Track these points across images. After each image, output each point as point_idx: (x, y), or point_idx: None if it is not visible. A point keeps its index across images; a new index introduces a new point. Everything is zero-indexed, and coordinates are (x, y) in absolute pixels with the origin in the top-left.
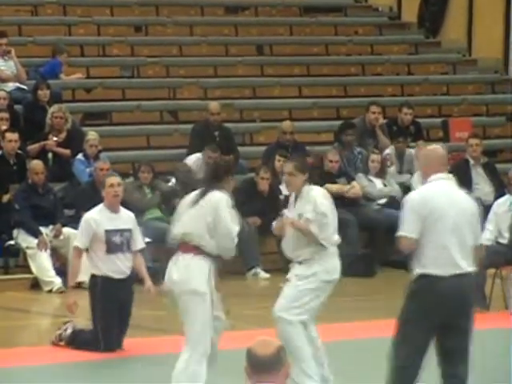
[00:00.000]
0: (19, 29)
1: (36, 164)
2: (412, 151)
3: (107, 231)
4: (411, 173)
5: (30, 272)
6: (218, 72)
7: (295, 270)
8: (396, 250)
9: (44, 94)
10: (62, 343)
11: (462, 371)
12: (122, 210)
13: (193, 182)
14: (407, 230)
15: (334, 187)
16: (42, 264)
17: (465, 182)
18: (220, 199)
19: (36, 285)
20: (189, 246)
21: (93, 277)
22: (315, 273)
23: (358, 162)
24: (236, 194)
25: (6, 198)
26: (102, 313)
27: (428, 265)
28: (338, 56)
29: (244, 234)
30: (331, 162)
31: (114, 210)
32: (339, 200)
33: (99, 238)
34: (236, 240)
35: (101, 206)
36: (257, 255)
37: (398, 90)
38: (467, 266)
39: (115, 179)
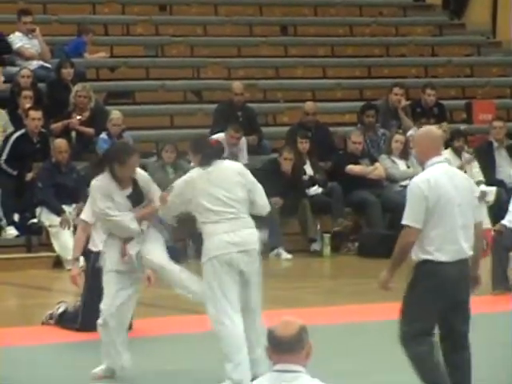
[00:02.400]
0: (44, 7)
1: (60, 142)
2: None
3: None
4: None
5: (53, 250)
6: (242, 52)
7: None
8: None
9: (68, 72)
10: (52, 322)
11: (466, 356)
12: None
13: None
14: (414, 219)
15: (357, 168)
16: (65, 242)
17: (488, 164)
18: None
19: (58, 263)
20: None
21: (88, 252)
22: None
23: (381, 143)
24: (259, 174)
25: (29, 176)
26: (88, 289)
27: (433, 251)
28: (363, 37)
29: (267, 214)
30: (354, 143)
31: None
32: (362, 181)
33: None
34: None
35: None
36: (279, 236)
37: (421, 71)
38: (469, 250)
39: None
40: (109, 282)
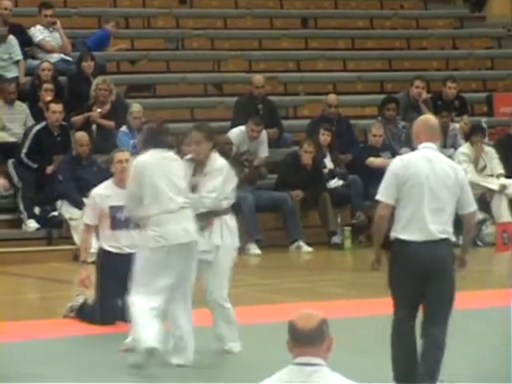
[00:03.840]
0: (65, 0)
1: (81, 135)
2: (456, 126)
3: (112, 207)
4: (455, 147)
5: (73, 243)
6: (263, 45)
7: None
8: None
9: (88, 65)
10: (73, 314)
11: (437, 332)
12: None
13: (232, 154)
14: (385, 195)
15: (378, 161)
16: None
17: (508, 156)
18: None
19: (79, 256)
20: None
21: (99, 249)
22: None
23: (402, 136)
24: (280, 167)
25: (49, 169)
26: (100, 285)
27: (401, 229)
28: (383, 30)
29: (287, 207)
30: (375, 136)
31: (122, 185)
32: (383, 174)
33: (105, 214)
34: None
35: (109, 181)
36: (299, 228)
37: (442, 64)
38: (439, 233)
39: (123, 155)
40: None
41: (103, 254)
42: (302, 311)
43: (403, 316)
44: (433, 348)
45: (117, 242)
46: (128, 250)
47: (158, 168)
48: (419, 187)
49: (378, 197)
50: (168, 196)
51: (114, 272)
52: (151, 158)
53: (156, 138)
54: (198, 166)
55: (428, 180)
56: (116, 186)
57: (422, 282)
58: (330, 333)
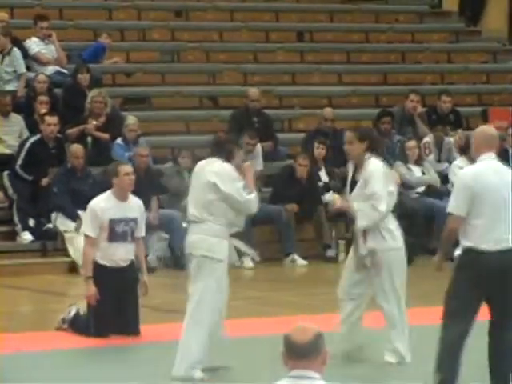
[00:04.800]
0: (60, 13)
1: (76, 148)
2: (451, 140)
3: (111, 220)
4: (450, 161)
5: (68, 255)
6: (258, 58)
7: None
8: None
9: (84, 77)
10: (65, 326)
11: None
12: (131, 198)
13: None
14: (457, 207)
15: None
16: (80, 248)
17: None
18: None
19: (73, 268)
20: None
21: (93, 263)
22: None
23: (396, 149)
24: (274, 181)
25: (44, 181)
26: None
27: (475, 239)
28: (379, 44)
29: (282, 220)
30: None
31: (122, 198)
32: None
33: (103, 227)
34: None
35: (108, 193)
36: (294, 242)
37: (437, 78)
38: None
39: (130, 168)
40: None
41: (97, 267)
42: (298, 324)
43: (458, 330)
44: (508, 351)
45: (112, 254)
46: (122, 264)
47: (194, 178)
48: (492, 197)
49: (450, 210)
50: (188, 207)
51: (108, 285)
52: (198, 166)
53: (213, 148)
54: (358, 167)
55: (499, 190)
56: (116, 199)
57: (492, 290)
58: (326, 347)
